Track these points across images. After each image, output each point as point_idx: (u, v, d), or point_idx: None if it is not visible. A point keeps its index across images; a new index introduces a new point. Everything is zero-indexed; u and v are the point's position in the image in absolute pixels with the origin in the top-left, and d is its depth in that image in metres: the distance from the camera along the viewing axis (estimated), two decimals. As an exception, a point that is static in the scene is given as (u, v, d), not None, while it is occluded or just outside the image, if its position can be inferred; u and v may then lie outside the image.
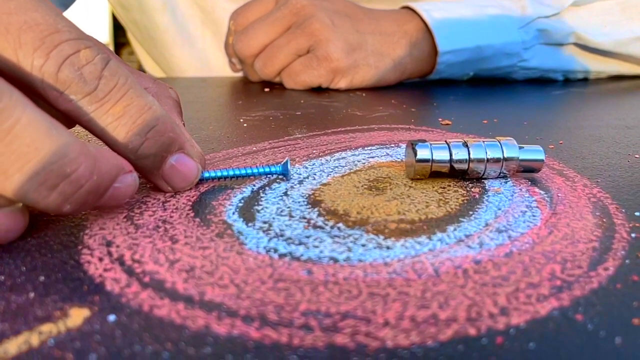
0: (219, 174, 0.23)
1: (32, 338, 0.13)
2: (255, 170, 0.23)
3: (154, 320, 0.14)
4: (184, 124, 0.23)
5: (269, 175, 0.24)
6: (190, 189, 0.22)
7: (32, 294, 0.15)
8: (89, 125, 0.19)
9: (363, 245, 0.18)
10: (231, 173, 0.23)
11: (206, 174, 0.23)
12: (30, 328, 0.13)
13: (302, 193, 0.22)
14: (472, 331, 0.13)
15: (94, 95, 0.18)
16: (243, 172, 0.23)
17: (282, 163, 0.24)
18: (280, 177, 0.24)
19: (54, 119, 0.16)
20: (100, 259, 0.16)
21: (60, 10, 0.18)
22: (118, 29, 0.70)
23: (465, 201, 0.22)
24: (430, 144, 0.23)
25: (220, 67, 0.62)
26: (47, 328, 0.13)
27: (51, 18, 0.17)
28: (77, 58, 0.17)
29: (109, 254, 0.17)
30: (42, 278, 0.15)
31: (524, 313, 0.14)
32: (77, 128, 0.21)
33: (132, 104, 0.19)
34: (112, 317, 0.14)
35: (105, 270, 0.16)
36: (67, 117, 0.19)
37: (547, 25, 0.55)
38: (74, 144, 0.16)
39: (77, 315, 0.14)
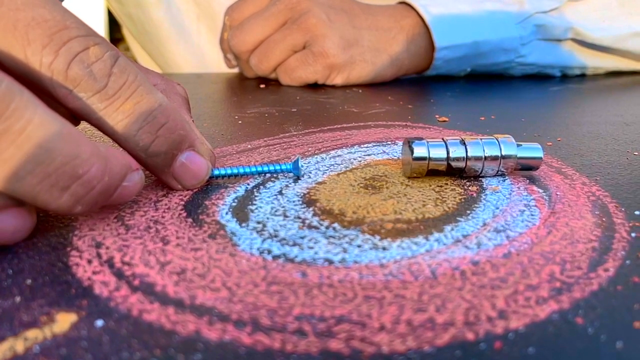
0: (228, 171, 0.22)
1: (17, 344, 0.12)
2: (265, 168, 0.23)
3: (143, 325, 0.13)
4: (192, 120, 0.23)
5: (279, 173, 0.24)
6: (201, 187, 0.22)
7: (18, 298, 0.14)
8: (99, 124, 0.18)
9: (359, 246, 0.17)
10: (241, 171, 0.23)
11: (216, 172, 0.22)
12: (16, 334, 0.13)
13: (297, 192, 0.22)
14: (469, 336, 0.13)
15: (103, 93, 0.18)
16: (253, 169, 0.23)
17: (293, 161, 0.23)
18: (285, 174, 0.24)
19: (65, 119, 0.16)
20: (89, 261, 0.16)
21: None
22: (113, 25, 0.70)
23: (463, 200, 0.21)
24: (427, 142, 0.23)
25: (216, 63, 0.62)
26: (33, 334, 0.13)
27: (59, 14, 0.17)
28: (87, 55, 0.17)
29: (99, 255, 0.16)
30: (28, 281, 0.15)
31: (523, 316, 0.14)
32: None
33: (142, 101, 0.18)
34: (99, 322, 0.13)
35: (94, 273, 0.15)
36: (76, 115, 0.18)
37: (545, 21, 0.54)
38: (86, 144, 0.16)
39: (64, 321, 0.13)
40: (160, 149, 0.19)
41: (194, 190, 0.22)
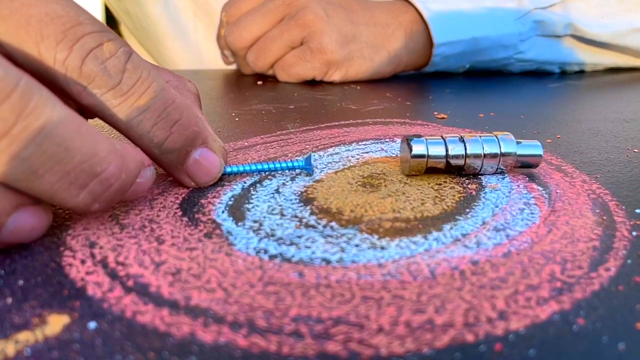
0: (240, 169, 0.22)
1: (8, 347, 0.12)
2: (277, 165, 0.23)
3: (136, 327, 0.13)
4: (204, 117, 0.23)
5: (291, 171, 0.24)
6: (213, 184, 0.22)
7: (9, 300, 0.14)
8: (113, 120, 0.18)
9: (356, 246, 0.17)
10: (253, 168, 0.23)
11: (228, 169, 0.22)
12: (6, 336, 0.12)
13: (294, 190, 0.22)
14: (469, 337, 0.13)
15: (118, 89, 0.17)
16: (265, 167, 0.23)
17: (305, 157, 0.23)
18: (301, 171, 0.24)
19: (81, 116, 0.16)
20: (83, 262, 0.16)
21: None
22: (110, 21, 0.69)
23: (462, 198, 0.21)
24: (426, 139, 0.23)
25: (213, 60, 0.61)
26: (24, 336, 0.12)
27: (72, 10, 0.17)
28: (101, 51, 0.17)
29: (92, 255, 0.16)
30: (21, 282, 0.15)
31: (524, 317, 0.13)
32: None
33: (156, 97, 0.18)
34: (92, 324, 0.13)
35: (88, 273, 0.15)
36: (89, 112, 0.18)
37: (544, 17, 0.54)
38: (103, 142, 0.16)
39: (56, 323, 0.13)
40: (174, 146, 0.19)
41: (190, 189, 0.21)
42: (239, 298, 0.14)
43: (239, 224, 0.19)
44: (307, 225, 0.18)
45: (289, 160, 0.23)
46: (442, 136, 0.23)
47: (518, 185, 0.23)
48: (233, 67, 0.58)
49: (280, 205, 0.20)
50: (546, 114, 0.38)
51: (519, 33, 0.53)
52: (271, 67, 0.50)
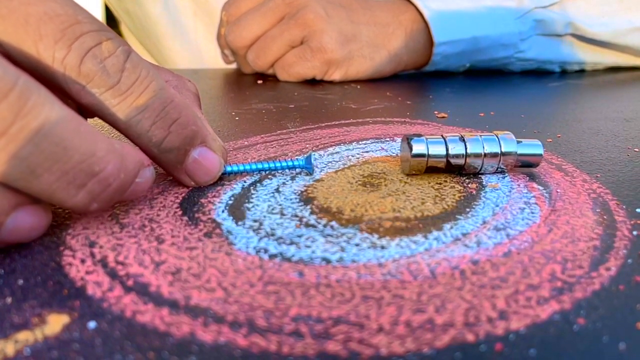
0: (240, 168, 0.22)
1: (7, 347, 0.12)
2: (277, 165, 0.23)
3: (136, 327, 0.13)
4: (204, 117, 0.23)
5: (291, 170, 0.24)
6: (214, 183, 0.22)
7: (9, 299, 0.14)
8: (112, 119, 0.18)
9: (357, 245, 0.17)
10: (253, 167, 0.23)
11: (228, 168, 0.22)
12: (6, 336, 0.12)
13: (294, 190, 0.22)
14: (470, 337, 0.13)
15: (117, 89, 0.17)
16: (265, 166, 0.23)
17: (305, 157, 0.23)
18: (302, 171, 0.24)
19: (80, 116, 0.16)
20: (83, 261, 0.16)
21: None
22: (111, 21, 0.69)
23: (462, 197, 0.21)
24: (426, 139, 0.23)
25: (213, 59, 0.61)
26: (24, 336, 0.12)
27: (71, 9, 0.17)
28: (100, 50, 0.17)
29: (92, 255, 0.16)
30: (20, 282, 0.15)
31: (524, 317, 0.13)
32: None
33: (155, 96, 0.18)
34: (92, 324, 0.13)
35: (87, 272, 0.15)
36: (88, 112, 0.18)
37: (544, 16, 0.54)
38: (102, 142, 0.16)
39: (56, 322, 0.13)
40: (173, 145, 0.19)
41: (190, 188, 0.21)
42: (239, 297, 0.14)
43: (239, 223, 0.18)
44: (307, 225, 0.18)
45: (289, 159, 0.23)
46: (442, 135, 0.23)
47: (518, 185, 0.23)
48: (233, 66, 0.58)
49: (280, 205, 0.20)
50: (546, 113, 0.38)
51: (519, 32, 0.53)
52: (271, 66, 0.50)
